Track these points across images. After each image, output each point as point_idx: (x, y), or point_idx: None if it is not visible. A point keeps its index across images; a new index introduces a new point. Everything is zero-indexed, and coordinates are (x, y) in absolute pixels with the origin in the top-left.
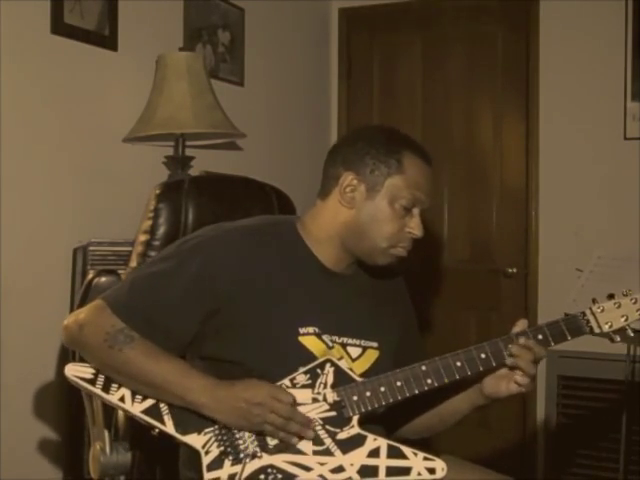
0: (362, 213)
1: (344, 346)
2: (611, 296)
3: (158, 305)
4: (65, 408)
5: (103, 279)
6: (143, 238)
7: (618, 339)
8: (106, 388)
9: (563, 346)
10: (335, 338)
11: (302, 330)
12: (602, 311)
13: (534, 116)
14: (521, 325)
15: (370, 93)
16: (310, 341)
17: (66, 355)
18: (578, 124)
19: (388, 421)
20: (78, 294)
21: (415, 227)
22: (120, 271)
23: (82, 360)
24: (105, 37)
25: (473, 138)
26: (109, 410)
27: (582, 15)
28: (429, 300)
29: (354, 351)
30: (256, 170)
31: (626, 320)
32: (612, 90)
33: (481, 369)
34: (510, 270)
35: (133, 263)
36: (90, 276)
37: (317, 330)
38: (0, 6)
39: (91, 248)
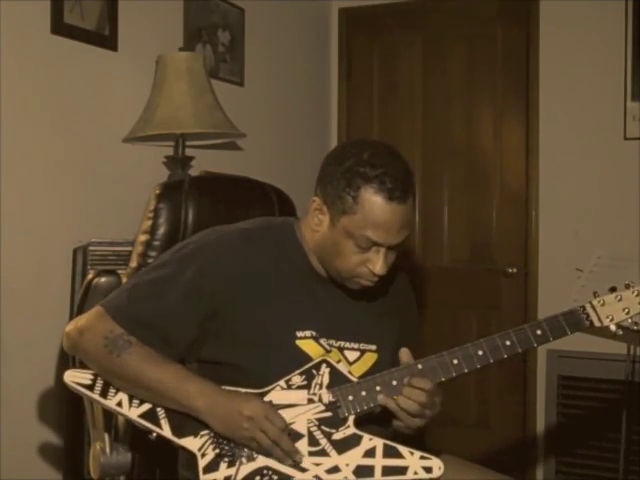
0: (325, 240)
1: (341, 350)
2: (613, 289)
3: (157, 311)
4: (65, 408)
5: (103, 279)
6: (143, 238)
7: (620, 332)
8: (104, 393)
9: (563, 346)
10: (332, 342)
11: (299, 334)
12: (603, 304)
13: (534, 116)
14: (405, 356)
15: (370, 93)
16: (307, 345)
17: (66, 356)
18: (578, 124)
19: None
20: (78, 294)
21: (375, 265)
22: (120, 271)
23: (81, 365)
24: (105, 37)
25: (473, 138)
26: (109, 412)
27: (582, 15)
28: (429, 300)
29: (352, 354)
30: (256, 170)
31: (627, 313)
32: (612, 90)
33: (478, 366)
34: (510, 270)
35: (133, 263)
36: (90, 276)
37: (314, 334)
38: (0, 6)
39: (91, 248)
